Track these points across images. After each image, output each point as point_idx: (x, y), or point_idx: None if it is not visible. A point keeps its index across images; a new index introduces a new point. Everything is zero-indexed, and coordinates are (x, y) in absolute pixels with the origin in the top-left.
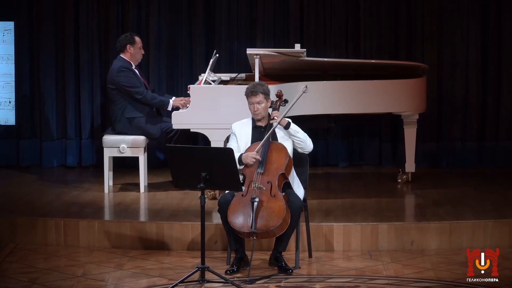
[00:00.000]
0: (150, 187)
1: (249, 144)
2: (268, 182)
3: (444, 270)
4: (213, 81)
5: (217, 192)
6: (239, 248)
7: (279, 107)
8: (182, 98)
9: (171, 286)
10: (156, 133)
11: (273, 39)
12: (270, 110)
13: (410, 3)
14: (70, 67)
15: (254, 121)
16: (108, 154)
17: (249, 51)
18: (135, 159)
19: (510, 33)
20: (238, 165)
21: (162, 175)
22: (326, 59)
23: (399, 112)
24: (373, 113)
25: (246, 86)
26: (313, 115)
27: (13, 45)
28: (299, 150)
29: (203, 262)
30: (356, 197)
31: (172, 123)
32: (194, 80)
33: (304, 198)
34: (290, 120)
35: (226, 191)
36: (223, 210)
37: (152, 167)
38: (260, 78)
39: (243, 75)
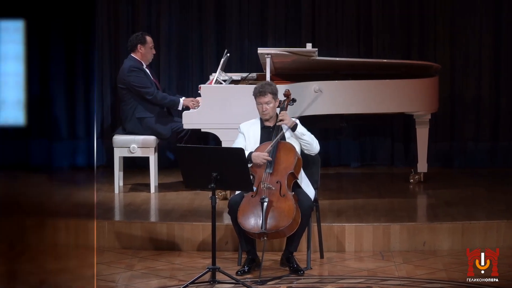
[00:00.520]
0: (161, 187)
1: (258, 145)
2: (277, 182)
3: (456, 271)
4: (224, 80)
5: (228, 192)
6: (250, 249)
7: (287, 106)
8: (192, 98)
9: (182, 286)
10: (166, 133)
11: (285, 38)
12: (278, 109)
13: (422, 3)
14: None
15: (262, 121)
16: (118, 154)
17: (260, 50)
18: (146, 159)
19: None
20: None
21: (172, 175)
22: (337, 59)
23: (411, 112)
24: (385, 113)
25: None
26: (325, 115)
27: (22, 45)
28: (305, 151)
29: (214, 262)
30: (368, 197)
31: (183, 123)
32: (205, 79)
33: (316, 199)
34: (298, 122)
35: (236, 193)
36: (233, 211)
37: (162, 167)
38: (271, 78)
39: (254, 74)
